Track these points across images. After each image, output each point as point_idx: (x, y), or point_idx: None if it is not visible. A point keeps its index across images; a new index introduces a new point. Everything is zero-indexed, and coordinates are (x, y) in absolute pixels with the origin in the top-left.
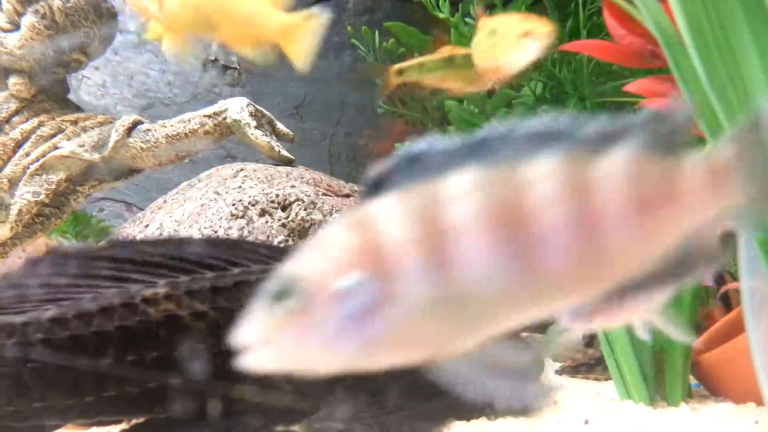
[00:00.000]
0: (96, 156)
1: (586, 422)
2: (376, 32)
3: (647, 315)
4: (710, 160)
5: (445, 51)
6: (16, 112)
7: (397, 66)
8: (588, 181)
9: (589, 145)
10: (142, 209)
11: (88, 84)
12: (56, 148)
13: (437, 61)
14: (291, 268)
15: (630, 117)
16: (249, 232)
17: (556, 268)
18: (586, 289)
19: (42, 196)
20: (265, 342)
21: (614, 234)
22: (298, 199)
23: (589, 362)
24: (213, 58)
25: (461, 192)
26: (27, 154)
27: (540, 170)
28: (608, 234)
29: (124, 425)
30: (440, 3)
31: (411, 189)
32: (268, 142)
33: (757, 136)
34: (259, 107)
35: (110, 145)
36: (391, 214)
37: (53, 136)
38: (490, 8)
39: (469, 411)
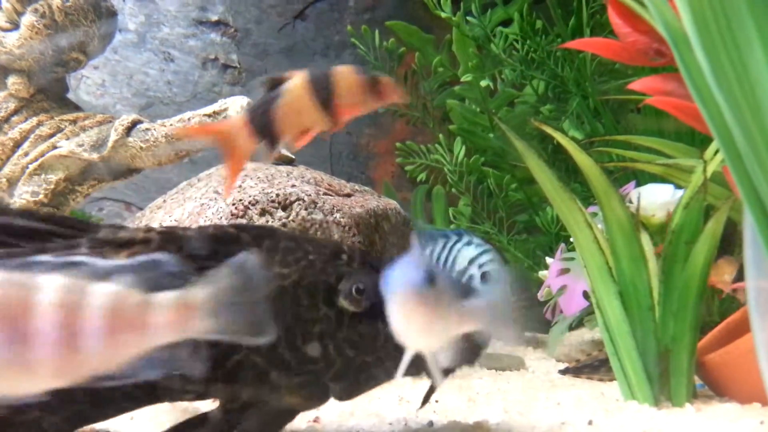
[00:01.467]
0: (95, 155)
1: (590, 423)
2: (376, 31)
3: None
4: (180, 301)
5: None
6: (15, 112)
7: None
8: (82, 299)
9: (97, 274)
10: (141, 209)
11: (87, 83)
12: (55, 147)
13: None
14: None
15: (132, 262)
16: None
17: (43, 356)
18: (71, 374)
19: (41, 196)
20: None
21: (89, 341)
22: (298, 199)
23: (593, 363)
24: (213, 57)
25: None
26: (26, 154)
27: (52, 283)
28: (85, 340)
29: None
30: (442, 1)
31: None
32: None
33: (228, 279)
34: None
35: (109, 144)
36: None
37: (52, 135)
38: (491, 7)
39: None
